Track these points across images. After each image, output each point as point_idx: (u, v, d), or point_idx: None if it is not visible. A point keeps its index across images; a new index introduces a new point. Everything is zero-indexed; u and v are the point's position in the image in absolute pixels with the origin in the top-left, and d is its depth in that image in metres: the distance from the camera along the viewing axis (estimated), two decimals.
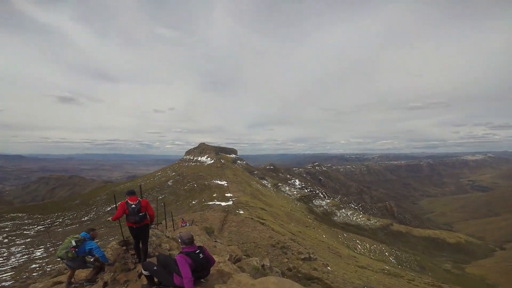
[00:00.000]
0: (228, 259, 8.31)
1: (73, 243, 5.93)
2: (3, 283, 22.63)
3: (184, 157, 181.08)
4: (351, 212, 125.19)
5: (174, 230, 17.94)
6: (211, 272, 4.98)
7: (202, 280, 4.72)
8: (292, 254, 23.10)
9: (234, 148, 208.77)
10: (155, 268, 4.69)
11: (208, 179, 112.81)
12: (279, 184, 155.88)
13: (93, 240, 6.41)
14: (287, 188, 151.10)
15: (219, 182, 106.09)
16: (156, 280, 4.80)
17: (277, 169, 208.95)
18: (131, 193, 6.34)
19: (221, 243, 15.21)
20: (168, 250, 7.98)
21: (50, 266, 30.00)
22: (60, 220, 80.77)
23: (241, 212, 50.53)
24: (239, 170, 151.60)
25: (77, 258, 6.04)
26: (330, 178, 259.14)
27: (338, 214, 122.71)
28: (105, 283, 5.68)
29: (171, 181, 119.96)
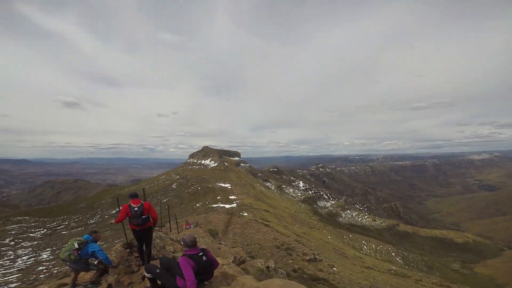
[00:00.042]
0: (232, 261, 8.25)
1: (76, 246, 5.95)
2: (10, 285, 22.81)
3: (188, 160, 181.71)
4: (356, 213, 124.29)
5: (178, 232, 17.94)
6: (214, 274, 4.91)
7: (205, 282, 4.65)
8: (297, 255, 22.95)
9: (237, 151, 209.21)
10: (158, 270, 4.64)
11: (212, 182, 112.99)
12: (283, 186, 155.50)
13: (96, 242, 6.42)
14: (291, 190, 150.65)
15: (223, 185, 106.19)
16: (159, 282, 4.75)
17: (281, 171, 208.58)
18: (134, 196, 6.34)
19: (225, 245, 15.15)
20: (172, 252, 7.95)
21: (57, 268, 30.19)
22: (66, 223, 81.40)
23: (245, 214, 50.44)
24: (243, 173, 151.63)
25: (80, 261, 6.05)
26: (334, 180, 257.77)
27: (343, 215, 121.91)
28: (109, 285, 5.66)
29: (175, 184, 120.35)
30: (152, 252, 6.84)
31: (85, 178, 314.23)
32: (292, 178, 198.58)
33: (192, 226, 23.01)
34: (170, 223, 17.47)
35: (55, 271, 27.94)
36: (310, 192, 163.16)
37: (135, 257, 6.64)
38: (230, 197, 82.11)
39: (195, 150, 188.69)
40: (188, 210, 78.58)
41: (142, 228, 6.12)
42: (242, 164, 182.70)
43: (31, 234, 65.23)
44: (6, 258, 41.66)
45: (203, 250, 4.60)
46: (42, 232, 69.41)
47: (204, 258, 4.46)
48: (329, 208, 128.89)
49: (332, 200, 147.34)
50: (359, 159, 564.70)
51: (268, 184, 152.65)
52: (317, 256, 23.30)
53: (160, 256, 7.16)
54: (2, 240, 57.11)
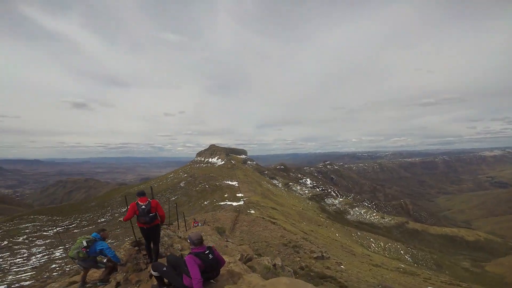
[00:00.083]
0: (239, 259, 8.29)
1: (84, 244, 6.06)
2: (23, 283, 23.50)
3: (195, 158, 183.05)
4: (364, 210, 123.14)
5: (186, 230, 18.12)
6: (221, 272, 4.91)
7: (212, 281, 4.66)
8: (304, 253, 22.93)
9: (244, 148, 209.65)
10: (165, 269, 4.66)
11: (219, 179, 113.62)
12: (290, 183, 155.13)
13: (104, 240, 6.52)
14: (298, 188, 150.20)
15: (230, 183, 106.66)
16: (166, 281, 4.79)
17: (288, 169, 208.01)
18: (141, 194, 6.37)
19: (232, 242, 15.25)
20: (180, 250, 8.02)
21: (69, 266, 30.94)
22: (77, 221, 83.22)
23: (252, 211, 50.59)
24: (250, 171, 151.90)
25: (88, 258, 6.16)
26: (342, 177, 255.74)
27: (352, 212, 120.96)
28: (118, 283, 5.77)
29: (183, 182, 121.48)
30: (160, 250, 6.88)
31: (95, 177, 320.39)
32: (299, 175, 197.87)
33: (200, 224, 23.18)
34: (178, 221, 17.65)
35: (67, 269, 28.64)
36: (318, 189, 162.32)
37: (143, 255, 6.70)
38: (237, 195, 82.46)
39: (203, 149, 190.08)
40: (196, 208, 79.29)
41: (150, 226, 6.14)
42: (249, 162, 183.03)
43: (44, 233, 66.96)
44: (19, 256, 42.90)
45: (209, 248, 4.59)
46: (55, 230, 71.18)
47: (210, 256, 4.45)
48: (337, 205, 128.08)
49: (340, 198, 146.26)
50: (367, 156, 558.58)
51: (275, 181, 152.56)
52: (324, 254, 23.24)
53: (168, 254, 7.24)
54: (16, 239, 58.81)
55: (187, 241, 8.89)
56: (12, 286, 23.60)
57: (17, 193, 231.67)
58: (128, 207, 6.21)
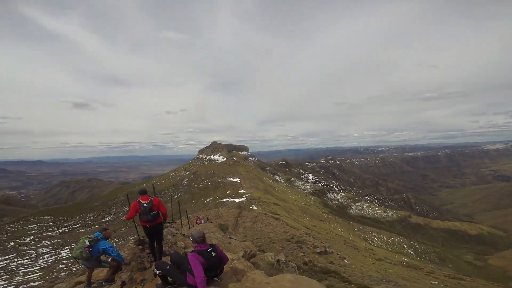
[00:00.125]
0: (243, 256, 8.35)
1: (87, 243, 6.06)
2: (32, 283, 23.76)
3: (197, 156, 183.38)
4: (367, 204, 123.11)
5: (189, 228, 18.24)
6: (224, 270, 4.89)
7: (215, 278, 4.64)
8: (308, 248, 23.05)
9: (246, 145, 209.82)
10: (168, 267, 4.66)
11: (221, 176, 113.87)
12: (292, 179, 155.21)
13: (107, 239, 6.52)
14: (301, 183, 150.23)
15: (232, 179, 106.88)
16: (170, 279, 4.77)
17: (290, 164, 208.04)
18: (143, 192, 6.35)
19: (235, 239, 15.34)
20: (184, 248, 8.04)
21: (76, 266, 31.24)
22: (82, 221, 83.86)
23: (255, 208, 50.75)
24: (251, 167, 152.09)
25: (92, 258, 6.16)
26: (344, 172, 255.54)
27: (354, 207, 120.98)
28: (123, 283, 5.80)
29: (186, 180, 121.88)
30: (164, 248, 6.87)
31: (98, 176, 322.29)
32: (301, 171, 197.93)
33: (203, 221, 23.28)
34: (181, 219, 17.76)
35: (74, 269, 28.94)
36: (320, 184, 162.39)
37: (147, 253, 6.71)
38: (239, 191, 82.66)
39: (204, 146, 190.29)
40: (199, 205, 79.64)
41: (152, 224, 6.13)
42: (250, 158, 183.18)
43: (50, 233, 67.58)
44: (27, 257, 43.36)
45: (212, 245, 4.56)
46: (61, 230, 71.83)
47: (213, 254, 4.43)
48: (340, 200, 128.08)
49: (342, 192, 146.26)
50: (370, 150, 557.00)
51: (277, 177, 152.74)
52: (327, 249, 23.34)
53: (172, 252, 7.28)
54: (23, 240, 59.42)
55: (190, 239, 8.93)
56: (21, 287, 23.90)
57: (21, 194, 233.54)
58: (130, 206, 6.22)
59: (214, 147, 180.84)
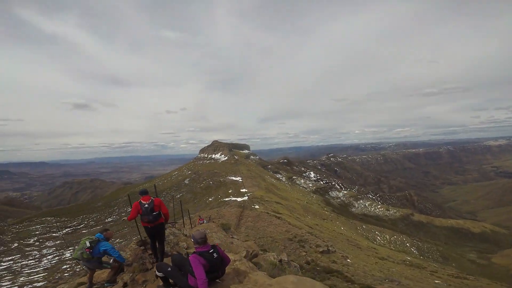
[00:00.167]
0: (245, 256, 8.31)
1: (87, 244, 6.03)
2: (35, 284, 23.89)
3: (199, 155, 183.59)
4: (369, 202, 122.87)
5: (192, 227, 18.24)
6: (226, 271, 4.84)
7: (217, 280, 4.59)
8: (310, 247, 23.01)
9: (247, 143, 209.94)
10: (169, 269, 4.61)
11: (223, 175, 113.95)
12: (293, 177, 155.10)
13: (108, 240, 6.49)
14: (302, 181, 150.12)
15: (234, 178, 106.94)
16: (171, 281, 4.72)
17: (291, 162, 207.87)
18: (144, 192, 6.32)
19: (237, 239, 15.32)
20: (186, 249, 8.01)
21: (79, 267, 31.36)
22: (85, 222, 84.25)
23: (257, 207, 50.76)
24: (253, 165, 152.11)
25: (93, 259, 6.14)
26: (346, 169, 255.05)
27: (356, 205, 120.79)
28: (125, 284, 5.78)
29: (188, 179, 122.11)
30: (166, 248, 6.83)
31: (100, 177, 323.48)
32: (302, 169, 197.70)
33: (205, 221, 23.28)
34: (183, 219, 17.74)
35: (78, 270, 29.06)
36: (322, 182, 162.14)
37: (149, 254, 6.68)
38: (241, 190, 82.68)
39: (205, 145, 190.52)
40: (201, 204, 79.77)
41: (154, 225, 6.10)
42: (252, 157, 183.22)
43: (54, 234, 67.92)
44: (31, 258, 43.61)
45: (213, 246, 4.50)
46: (64, 231, 72.20)
47: (215, 255, 4.37)
48: (342, 198, 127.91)
49: (344, 190, 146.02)
50: (371, 147, 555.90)
51: (278, 175, 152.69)
52: (330, 248, 23.30)
53: (174, 252, 7.24)
54: (27, 241, 59.76)
55: (192, 240, 8.88)
56: (25, 287, 24.03)
57: (25, 195, 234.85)
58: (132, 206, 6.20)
59: (215, 146, 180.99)
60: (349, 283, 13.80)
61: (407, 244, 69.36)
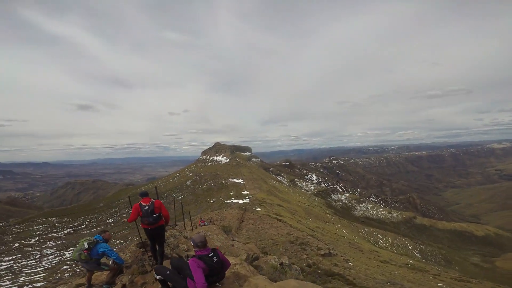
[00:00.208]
0: (245, 259, 8.22)
1: (85, 246, 5.97)
2: (35, 284, 23.89)
3: (201, 157, 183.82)
4: (371, 205, 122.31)
5: (192, 229, 18.16)
6: (226, 275, 4.76)
7: (217, 284, 4.51)
8: (312, 250, 22.83)
9: (248, 146, 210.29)
10: (168, 272, 4.54)
11: (224, 177, 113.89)
12: (295, 179, 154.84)
13: (106, 242, 6.43)
14: (304, 184, 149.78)
15: (236, 180, 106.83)
16: (170, 284, 4.65)
17: (293, 165, 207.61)
18: (144, 194, 6.31)
19: (238, 241, 15.22)
20: (186, 251, 7.95)
21: (80, 267, 31.35)
22: (87, 223, 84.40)
23: (258, 209, 50.58)
24: (255, 168, 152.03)
25: (91, 261, 6.07)
26: (348, 172, 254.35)
27: (358, 208, 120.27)
28: (124, 286, 5.72)
29: (189, 181, 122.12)
30: (166, 251, 6.77)
31: (102, 178, 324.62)
32: (304, 171, 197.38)
33: (206, 223, 23.19)
34: (184, 221, 17.67)
35: (78, 270, 29.07)
36: (324, 185, 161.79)
37: (149, 256, 6.64)
38: (243, 192, 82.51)
39: (207, 147, 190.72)
40: (202, 206, 79.70)
41: (154, 227, 6.06)
42: (253, 159, 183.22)
43: (55, 234, 68.08)
44: (32, 258, 43.68)
45: (213, 250, 4.43)
46: (66, 232, 72.36)
47: (215, 258, 4.29)
48: (344, 201, 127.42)
49: (347, 193, 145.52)
50: (373, 150, 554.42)
51: (280, 178, 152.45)
52: (332, 251, 23.12)
53: (174, 255, 7.17)
54: (28, 241, 59.93)
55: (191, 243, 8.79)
56: (24, 287, 24.04)
57: (27, 195, 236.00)
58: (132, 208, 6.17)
59: (217, 148, 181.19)
60: (351, 286, 13.65)
61: (410, 247, 68.86)
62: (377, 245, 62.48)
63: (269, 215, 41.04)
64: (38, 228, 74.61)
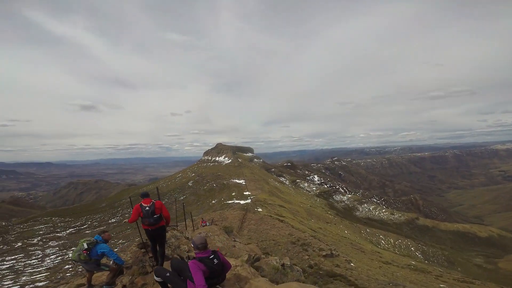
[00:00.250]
0: (247, 260, 8.17)
1: (85, 246, 5.94)
2: (37, 284, 23.97)
3: (203, 158, 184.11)
4: (373, 206, 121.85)
5: (194, 230, 18.12)
6: (227, 277, 4.70)
7: (218, 286, 4.44)
8: (313, 251, 22.73)
9: (250, 146, 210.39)
10: (168, 274, 4.48)
11: (226, 178, 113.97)
12: (297, 180, 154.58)
13: (106, 242, 6.40)
14: (306, 184, 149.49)
15: (237, 181, 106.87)
16: (169, 286, 4.60)
17: (295, 166, 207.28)
18: (145, 195, 6.27)
19: (240, 242, 15.17)
20: (187, 252, 7.91)
21: (80, 267, 31.43)
22: (89, 222, 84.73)
23: (260, 210, 50.50)
24: (256, 168, 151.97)
25: (90, 261, 6.04)
26: (350, 173, 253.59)
27: (360, 209, 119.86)
28: (124, 286, 5.70)
29: (191, 182, 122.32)
30: (167, 251, 6.73)
31: (105, 178, 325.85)
32: (306, 172, 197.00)
33: (207, 224, 23.16)
34: (185, 221, 17.64)
35: (80, 270, 29.16)
36: (326, 186, 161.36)
37: (150, 257, 6.60)
38: (244, 193, 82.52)
39: (210, 148, 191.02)
40: (204, 207, 79.75)
41: (155, 228, 6.02)
42: (255, 160, 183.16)
43: (57, 234, 68.41)
44: (34, 258, 43.89)
45: (214, 252, 4.36)
46: (68, 231, 72.67)
47: (215, 261, 4.23)
48: (346, 202, 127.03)
49: (349, 194, 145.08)
50: (376, 151, 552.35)
51: (282, 179, 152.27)
52: (333, 252, 23.01)
53: (175, 256, 7.13)
54: (30, 240, 60.25)
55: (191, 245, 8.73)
56: (27, 287, 24.13)
57: (30, 195, 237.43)
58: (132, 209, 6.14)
59: (219, 148, 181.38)
60: (353, 287, 13.57)
61: (412, 248, 68.46)
62: (379, 246, 62.18)
63: (270, 216, 40.95)
64: (41, 227, 75.01)
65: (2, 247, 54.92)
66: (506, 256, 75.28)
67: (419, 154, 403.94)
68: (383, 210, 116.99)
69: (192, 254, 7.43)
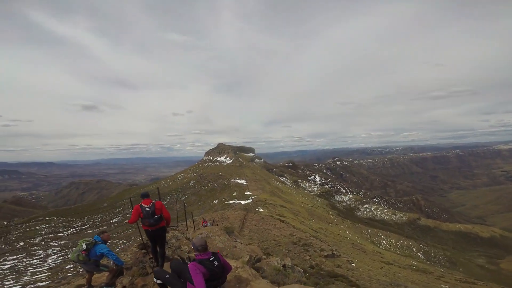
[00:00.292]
0: (248, 261, 8.13)
1: (84, 247, 5.91)
2: (39, 283, 24.02)
3: (204, 158, 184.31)
4: (375, 207, 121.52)
5: (195, 230, 18.07)
6: (228, 278, 4.64)
7: None
8: (315, 251, 22.68)
9: (252, 146, 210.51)
10: (167, 276, 4.43)
11: (227, 178, 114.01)
12: (298, 180, 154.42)
13: (105, 243, 6.37)
14: (307, 185, 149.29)
15: (239, 181, 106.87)
16: None
17: (296, 166, 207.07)
18: (145, 195, 6.23)
19: (241, 242, 15.11)
20: (188, 253, 7.87)
21: (81, 267, 31.46)
22: (90, 222, 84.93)
23: (261, 210, 50.47)
24: (258, 169, 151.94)
25: (89, 262, 6.01)
26: (352, 173, 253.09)
27: (362, 209, 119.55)
28: (124, 287, 5.68)
29: (193, 182, 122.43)
30: (167, 252, 6.69)
31: (106, 178, 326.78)
32: (308, 172, 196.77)
33: (209, 224, 23.10)
34: (186, 221, 17.59)
35: (81, 270, 29.23)
36: (327, 186, 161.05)
37: (150, 258, 6.56)
38: (245, 193, 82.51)
39: (211, 148, 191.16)
40: (205, 207, 79.80)
41: (155, 228, 5.97)
42: (256, 160, 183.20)
43: (59, 234, 68.62)
44: (36, 257, 44.03)
45: (214, 254, 4.30)
46: (69, 231, 72.88)
47: (215, 263, 4.16)
48: (347, 202, 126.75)
49: (350, 194, 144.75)
50: (377, 151, 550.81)
51: (283, 179, 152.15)
52: (335, 252, 22.95)
53: (176, 256, 7.08)
54: (32, 240, 60.47)
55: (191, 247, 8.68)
56: (28, 287, 24.19)
57: (32, 195, 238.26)
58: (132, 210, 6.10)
59: (221, 148, 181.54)
60: None
61: (414, 249, 68.22)
62: (380, 247, 62.01)
63: (272, 216, 40.91)
64: (43, 227, 75.26)
65: (4, 246, 55.17)
66: (508, 256, 74.87)
67: (421, 154, 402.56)
68: (385, 211, 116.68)
69: (193, 255, 7.36)
